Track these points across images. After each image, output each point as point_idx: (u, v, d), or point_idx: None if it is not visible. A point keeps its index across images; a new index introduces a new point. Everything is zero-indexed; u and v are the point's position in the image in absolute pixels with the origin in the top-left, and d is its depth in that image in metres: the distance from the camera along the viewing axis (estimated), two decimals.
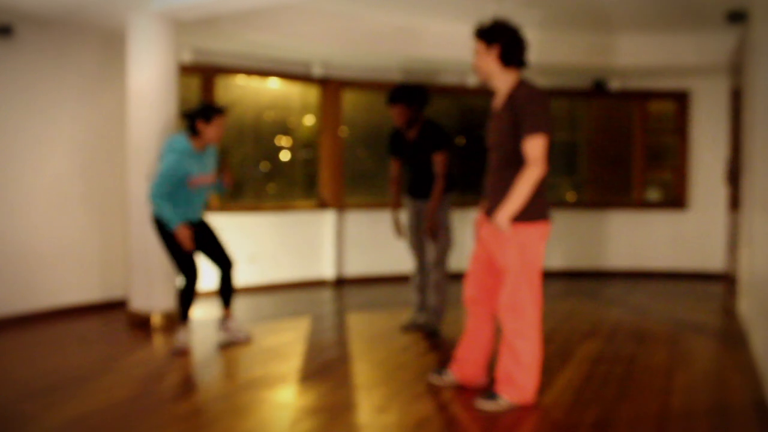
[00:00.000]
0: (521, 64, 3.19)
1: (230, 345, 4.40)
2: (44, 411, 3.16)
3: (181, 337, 4.28)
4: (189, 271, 4.29)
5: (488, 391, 3.31)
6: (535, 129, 3.04)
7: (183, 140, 4.21)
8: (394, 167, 4.81)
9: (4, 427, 3.02)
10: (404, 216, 4.82)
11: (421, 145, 4.54)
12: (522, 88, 3.13)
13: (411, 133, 4.60)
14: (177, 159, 4.13)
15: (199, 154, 4.25)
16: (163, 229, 4.25)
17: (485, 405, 3.21)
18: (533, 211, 3.13)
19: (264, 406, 3.27)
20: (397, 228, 4.73)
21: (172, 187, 4.14)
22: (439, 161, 4.46)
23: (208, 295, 5.70)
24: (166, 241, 4.26)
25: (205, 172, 4.29)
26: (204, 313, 5.26)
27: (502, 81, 3.19)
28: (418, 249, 4.70)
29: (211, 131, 4.21)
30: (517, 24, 3.21)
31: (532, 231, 3.15)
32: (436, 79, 7.22)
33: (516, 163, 3.14)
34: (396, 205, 4.79)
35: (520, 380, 3.20)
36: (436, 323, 4.61)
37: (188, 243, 4.16)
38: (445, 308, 4.62)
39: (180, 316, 4.34)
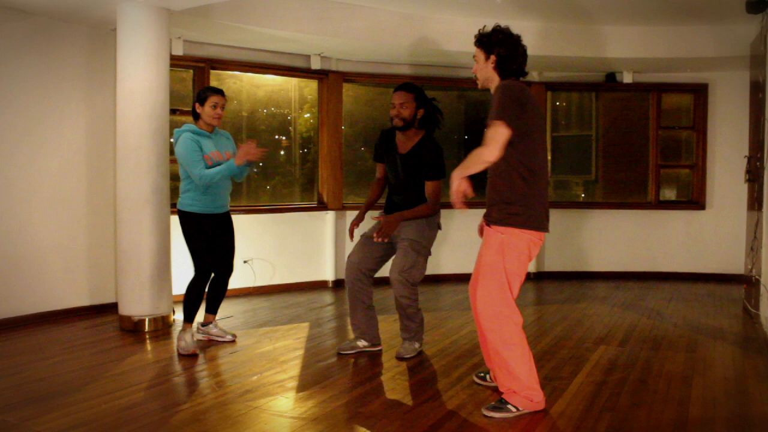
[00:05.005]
0: (520, 74, 3.28)
1: (210, 345, 4.48)
2: (29, 422, 3.15)
3: (183, 341, 4.34)
4: (205, 270, 4.41)
5: (498, 398, 3.31)
6: (494, 116, 3.06)
7: (188, 125, 4.41)
8: (379, 170, 4.46)
9: None
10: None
11: (413, 162, 4.15)
12: (500, 86, 3.20)
13: (404, 143, 4.20)
14: (185, 137, 4.29)
15: (208, 135, 4.40)
16: (187, 225, 4.40)
17: (492, 413, 3.22)
18: (520, 218, 3.17)
19: (261, 415, 3.26)
20: (353, 229, 4.33)
21: (203, 162, 4.25)
22: (432, 188, 4.12)
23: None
24: (190, 238, 4.40)
25: (220, 151, 4.42)
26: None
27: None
28: (368, 260, 4.23)
29: (206, 111, 4.36)
30: (517, 34, 3.28)
31: (516, 236, 3.18)
32: (442, 73, 7.21)
33: (504, 171, 3.18)
34: (367, 208, 4.44)
35: (519, 389, 3.23)
36: (418, 345, 4.31)
37: (252, 150, 4.22)
38: (423, 328, 4.33)
39: (184, 317, 4.41)
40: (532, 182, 3.17)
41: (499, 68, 3.23)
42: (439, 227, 4.26)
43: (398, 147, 4.23)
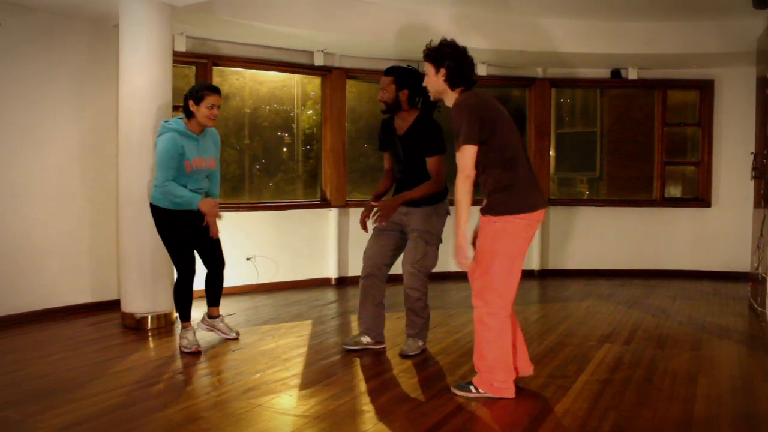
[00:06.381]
0: (470, 84, 3.45)
1: (213, 343, 4.45)
2: (32, 418, 3.16)
3: (185, 339, 4.32)
4: (185, 267, 4.33)
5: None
6: (460, 142, 3.28)
7: (176, 120, 4.25)
8: (386, 160, 4.45)
9: None
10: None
11: (409, 141, 4.15)
12: (453, 106, 3.38)
13: (401, 126, 4.20)
14: (170, 137, 4.13)
15: (195, 137, 4.24)
16: (160, 219, 4.29)
17: (456, 391, 3.45)
18: (510, 205, 3.32)
19: (264, 413, 3.27)
20: (365, 219, 4.24)
21: (175, 170, 4.14)
22: (433, 164, 4.09)
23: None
24: (163, 233, 4.31)
25: (204, 156, 4.29)
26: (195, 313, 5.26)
27: (451, 100, 3.45)
28: (384, 255, 4.23)
29: (202, 112, 4.18)
30: (463, 45, 3.45)
31: (510, 222, 3.32)
32: None
33: (487, 167, 3.35)
34: (377, 196, 4.37)
35: (482, 370, 3.40)
36: (422, 343, 4.28)
37: (215, 212, 4.19)
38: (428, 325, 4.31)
39: (180, 317, 4.38)
40: (514, 169, 3.33)
41: (449, 80, 3.40)
42: (447, 213, 4.26)
43: (396, 130, 4.26)
